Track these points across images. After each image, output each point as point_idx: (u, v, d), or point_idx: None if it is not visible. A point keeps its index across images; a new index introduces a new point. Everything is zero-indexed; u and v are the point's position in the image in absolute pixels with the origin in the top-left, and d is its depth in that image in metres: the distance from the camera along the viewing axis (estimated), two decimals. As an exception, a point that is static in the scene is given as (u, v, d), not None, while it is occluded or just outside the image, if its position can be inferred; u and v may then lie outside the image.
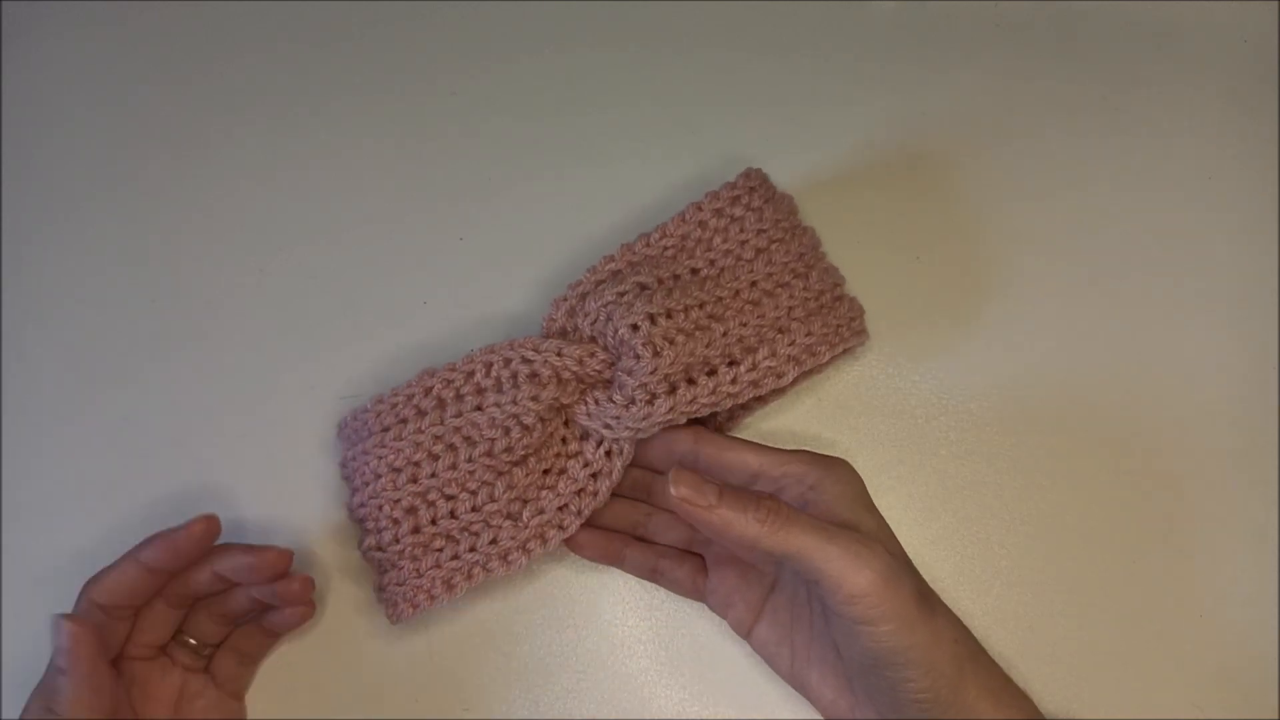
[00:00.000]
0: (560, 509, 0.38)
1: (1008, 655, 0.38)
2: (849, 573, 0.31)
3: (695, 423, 0.39)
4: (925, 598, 0.33)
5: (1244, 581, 0.40)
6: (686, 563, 0.39)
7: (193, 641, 0.38)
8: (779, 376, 0.37)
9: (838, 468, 0.36)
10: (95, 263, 0.45)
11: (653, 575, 0.39)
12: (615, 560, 0.40)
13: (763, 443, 0.37)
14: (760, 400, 0.41)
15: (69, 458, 0.43)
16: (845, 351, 0.41)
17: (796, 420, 0.42)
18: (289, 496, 0.41)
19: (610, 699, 0.40)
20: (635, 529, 0.40)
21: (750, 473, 0.37)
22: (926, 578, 0.35)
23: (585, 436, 0.38)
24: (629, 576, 0.41)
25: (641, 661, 0.40)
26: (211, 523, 0.36)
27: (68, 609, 0.36)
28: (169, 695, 0.38)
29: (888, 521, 0.36)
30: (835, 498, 0.35)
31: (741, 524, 0.32)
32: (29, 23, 0.48)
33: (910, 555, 0.36)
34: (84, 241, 0.45)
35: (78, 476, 0.42)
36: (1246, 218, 0.44)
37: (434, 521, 0.38)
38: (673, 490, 0.32)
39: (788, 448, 0.37)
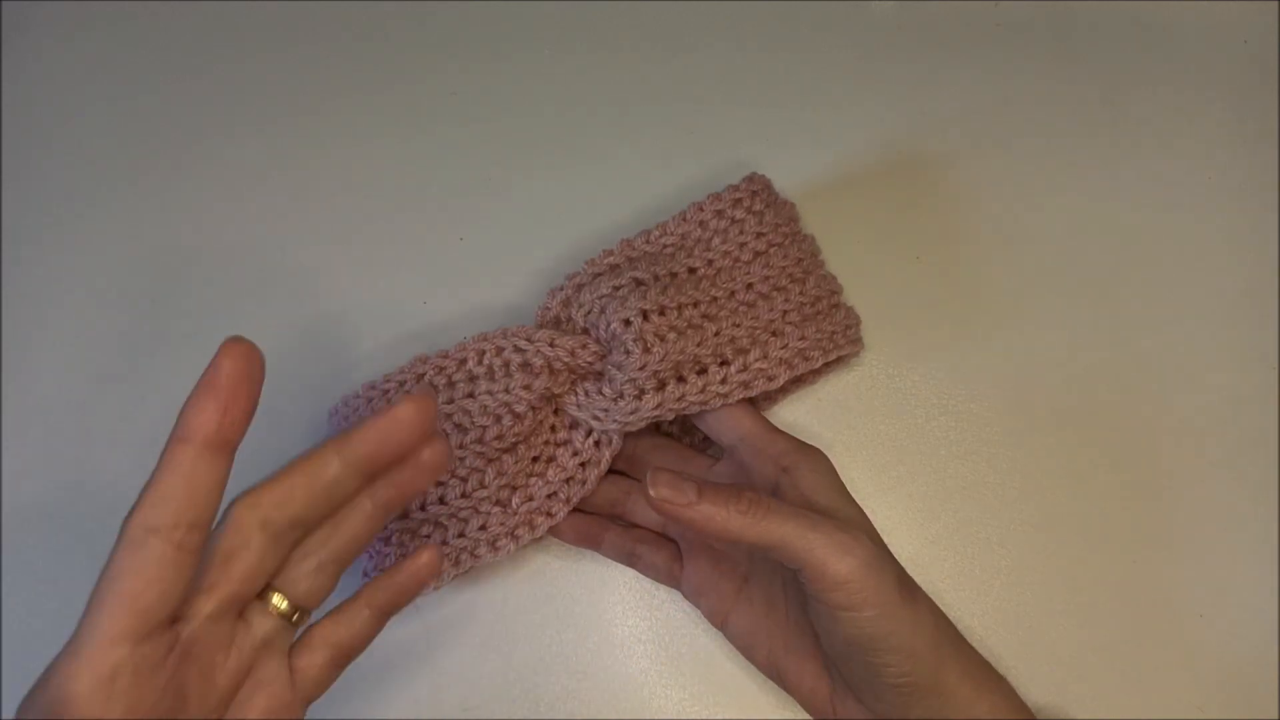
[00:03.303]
0: (549, 496, 0.38)
1: (1008, 655, 0.38)
2: (832, 560, 0.31)
3: None
4: (905, 584, 0.33)
5: (1244, 581, 0.40)
6: (664, 549, 0.39)
7: (286, 606, 0.29)
8: (770, 379, 0.37)
9: (815, 455, 0.36)
10: (95, 262, 0.45)
11: (630, 560, 0.40)
12: (593, 544, 0.40)
13: (758, 413, 0.38)
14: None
15: (69, 457, 0.43)
16: (840, 360, 0.41)
17: (796, 420, 0.42)
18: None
19: (610, 699, 0.40)
20: (614, 507, 0.40)
21: (737, 436, 0.37)
22: (926, 578, 0.35)
23: (574, 425, 0.38)
24: (630, 576, 0.41)
25: (641, 661, 0.40)
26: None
27: (68, 609, 0.34)
28: (225, 681, 0.28)
29: (888, 521, 0.36)
30: (811, 484, 0.35)
31: (724, 518, 0.32)
32: (29, 23, 0.48)
33: (910, 555, 0.36)
34: (84, 241, 0.45)
35: (78, 476, 0.42)
36: (1246, 218, 0.44)
37: (423, 507, 0.38)
38: (651, 492, 0.32)
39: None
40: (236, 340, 0.27)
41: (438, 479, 0.32)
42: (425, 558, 0.33)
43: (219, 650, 0.28)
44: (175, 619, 0.27)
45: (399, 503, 0.31)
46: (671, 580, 0.39)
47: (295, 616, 0.30)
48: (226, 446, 0.27)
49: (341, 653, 0.31)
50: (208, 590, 0.27)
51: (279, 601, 0.29)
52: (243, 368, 0.27)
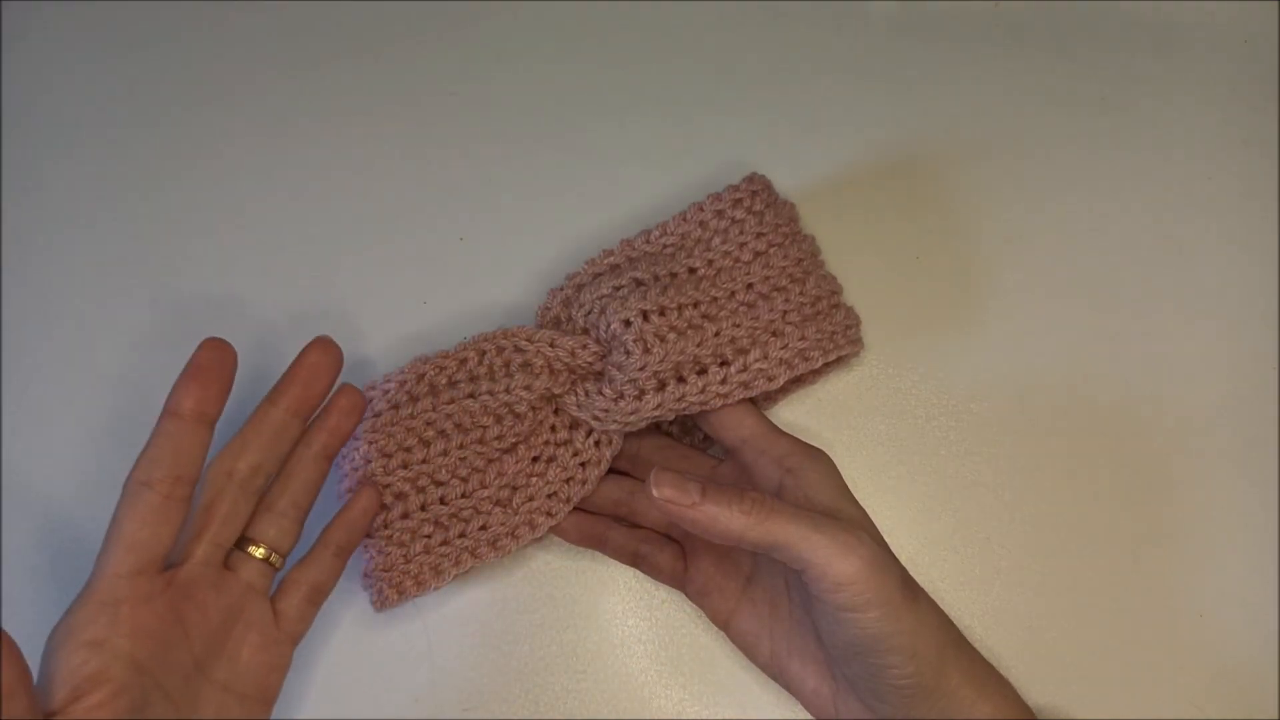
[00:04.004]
0: (550, 496, 0.38)
1: (1007, 655, 0.38)
2: (835, 560, 0.31)
3: None
4: (908, 585, 0.33)
5: (1244, 581, 0.40)
6: (667, 549, 0.39)
7: (262, 551, 0.35)
8: (770, 379, 0.37)
9: (818, 455, 0.36)
10: (95, 263, 0.45)
11: (634, 560, 0.40)
12: (597, 544, 0.40)
13: (761, 414, 0.38)
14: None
15: (69, 458, 0.43)
16: (840, 361, 0.41)
17: (796, 420, 0.42)
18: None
19: (610, 699, 0.40)
20: (618, 508, 0.40)
21: (740, 437, 0.37)
22: (926, 578, 0.35)
23: (575, 425, 0.38)
24: (630, 576, 0.41)
25: (641, 661, 0.40)
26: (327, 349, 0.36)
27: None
28: (218, 617, 0.34)
29: (888, 521, 0.36)
30: (814, 484, 0.35)
31: (727, 519, 0.32)
32: (29, 23, 0.48)
33: (910, 555, 0.36)
34: (84, 242, 0.45)
35: (78, 476, 0.42)
36: (1246, 218, 0.44)
37: (424, 507, 0.38)
38: (655, 492, 0.32)
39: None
40: (213, 339, 0.34)
41: (360, 418, 0.38)
42: (366, 495, 0.38)
43: (210, 590, 0.34)
44: (173, 564, 0.33)
45: (334, 446, 0.37)
46: (675, 580, 0.39)
47: (271, 558, 0.36)
48: (205, 418, 0.33)
49: (314, 591, 0.36)
50: (195, 536, 0.34)
51: (255, 549, 0.35)
52: (217, 357, 0.33)
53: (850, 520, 0.34)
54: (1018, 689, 0.35)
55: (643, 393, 0.36)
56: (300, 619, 0.36)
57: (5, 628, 0.40)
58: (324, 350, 0.36)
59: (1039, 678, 0.38)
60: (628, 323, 0.36)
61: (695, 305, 0.38)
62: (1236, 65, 0.46)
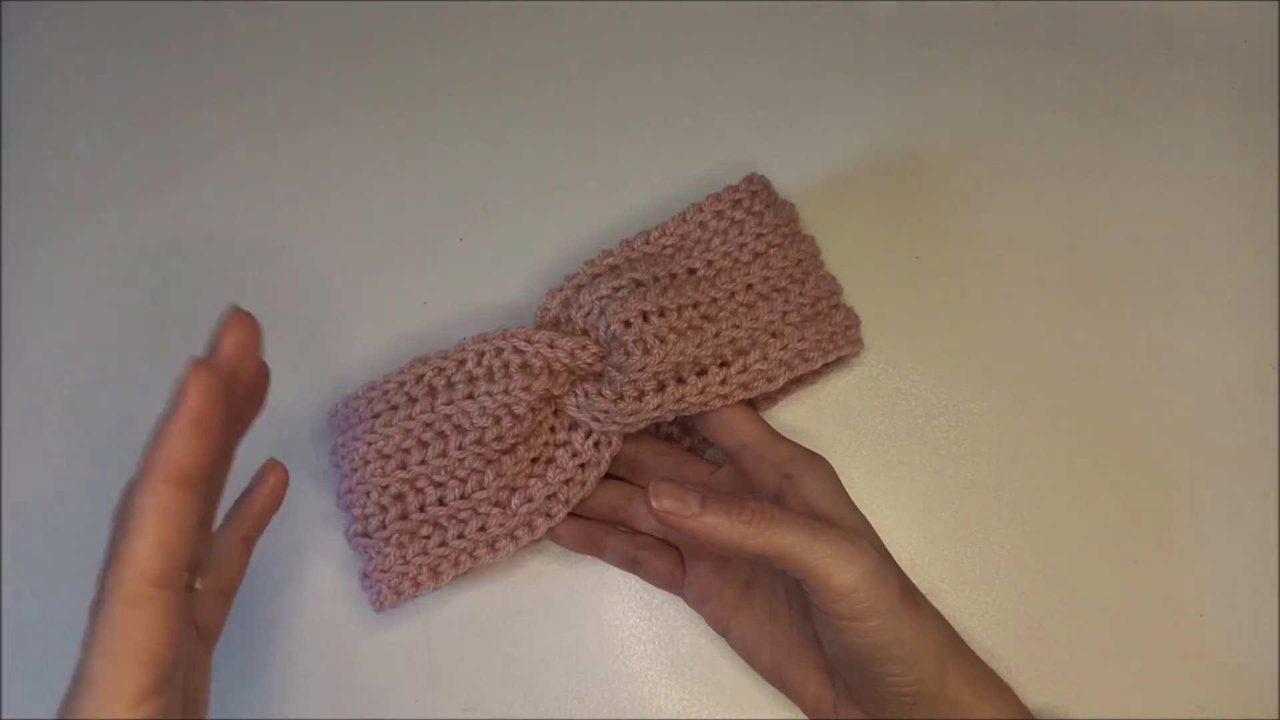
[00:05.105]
0: (548, 498, 0.38)
1: (1007, 655, 0.38)
2: (836, 569, 0.31)
3: None
4: (909, 592, 0.33)
5: (1244, 581, 0.40)
6: (666, 555, 0.39)
7: (196, 581, 0.31)
8: (770, 380, 0.37)
9: (818, 461, 0.36)
10: (96, 262, 0.45)
11: (632, 566, 0.40)
12: (595, 549, 0.40)
13: (760, 418, 0.38)
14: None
15: (69, 458, 0.43)
16: (840, 361, 0.41)
17: (797, 420, 0.42)
18: (288, 500, 0.41)
19: (610, 699, 0.40)
20: (616, 513, 0.40)
21: (739, 442, 0.37)
22: (926, 578, 0.35)
23: (574, 427, 0.38)
24: (630, 577, 0.41)
25: (641, 661, 0.40)
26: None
27: (68, 610, 0.34)
28: (188, 663, 0.30)
29: (888, 521, 0.36)
30: (814, 491, 0.35)
31: (727, 529, 0.31)
32: (29, 23, 0.48)
33: (910, 556, 0.36)
34: (84, 241, 0.45)
35: (78, 476, 0.42)
36: (1246, 218, 0.44)
37: (422, 509, 0.38)
38: (654, 503, 0.32)
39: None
40: (200, 365, 0.25)
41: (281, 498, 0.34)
42: (274, 477, 0.34)
43: (190, 653, 0.30)
44: None
45: (257, 531, 0.34)
46: (673, 586, 0.39)
47: (195, 583, 0.31)
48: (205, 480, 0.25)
49: (227, 591, 0.33)
50: None
51: (190, 580, 0.30)
52: (213, 394, 0.25)
53: (851, 528, 0.34)
54: (1017, 689, 0.35)
55: (642, 394, 0.36)
56: (218, 625, 0.33)
57: (5, 628, 0.40)
58: (243, 325, 0.27)
59: (1039, 678, 0.38)
60: (627, 324, 0.36)
61: (695, 306, 0.38)
62: (1236, 65, 0.46)
